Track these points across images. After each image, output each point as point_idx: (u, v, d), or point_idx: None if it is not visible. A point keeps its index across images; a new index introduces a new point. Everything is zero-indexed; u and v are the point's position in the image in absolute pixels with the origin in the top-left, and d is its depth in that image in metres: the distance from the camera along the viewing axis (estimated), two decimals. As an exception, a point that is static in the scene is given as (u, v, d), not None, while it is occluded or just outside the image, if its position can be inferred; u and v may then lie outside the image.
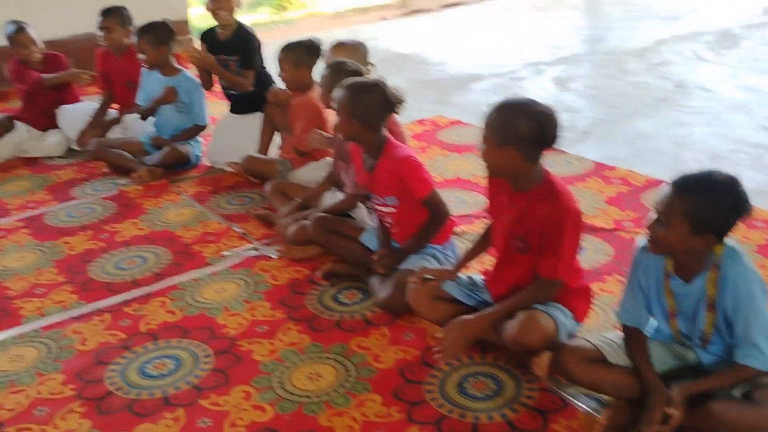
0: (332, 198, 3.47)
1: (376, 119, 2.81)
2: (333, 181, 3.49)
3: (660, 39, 6.76)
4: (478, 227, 3.41)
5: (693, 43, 6.52)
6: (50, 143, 4.79)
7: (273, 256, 3.29)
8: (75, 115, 4.82)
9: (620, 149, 4.29)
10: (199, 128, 4.44)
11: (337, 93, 2.84)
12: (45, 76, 4.68)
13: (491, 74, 6.11)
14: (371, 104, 2.78)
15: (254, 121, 4.23)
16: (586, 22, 8.12)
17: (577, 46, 6.85)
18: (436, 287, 2.58)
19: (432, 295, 2.59)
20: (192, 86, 4.39)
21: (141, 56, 4.30)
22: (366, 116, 2.78)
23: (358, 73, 3.15)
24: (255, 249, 3.38)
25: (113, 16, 4.68)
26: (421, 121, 4.99)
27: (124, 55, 4.75)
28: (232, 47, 4.30)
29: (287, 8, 13.73)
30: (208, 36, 4.45)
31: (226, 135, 4.39)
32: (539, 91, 5.55)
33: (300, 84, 3.80)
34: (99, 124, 4.75)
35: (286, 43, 3.84)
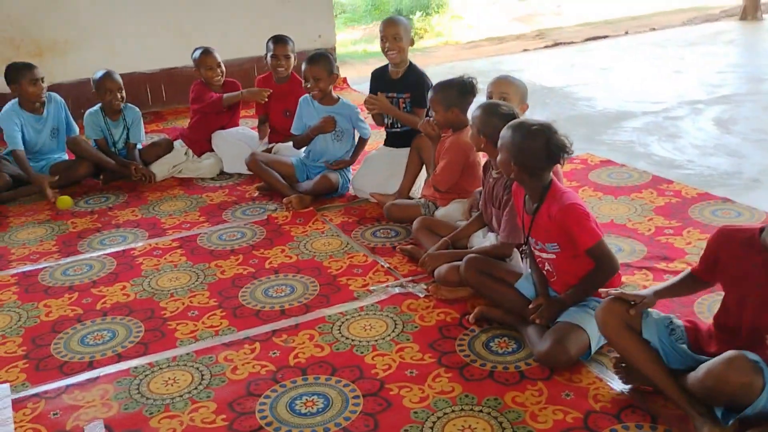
0: (482, 239, 3.37)
1: (538, 167, 2.70)
2: (482, 221, 3.38)
3: (834, 80, 6.24)
4: (639, 278, 3.20)
5: None
6: (204, 165, 4.97)
7: (420, 295, 3.22)
8: (229, 139, 4.99)
9: (796, 201, 3.93)
10: (364, 141, 4.60)
11: (504, 132, 2.76)
12: (225, 95, 4.88)
13: (643, 112, 5.82)
14: (535, 152, 2.66)
15: (406, 155, 4.20)
16: (744, 59, 7.63)
17: (737, 85, 6.42)
18: (632, 313, 2.37)
19: (624, 319, 2.38)
20: (351, 112, 4.50)
21: (306, 85, 4.37)
22: (528, 163, 2.68)
23: (513, 116, 3.04)
24: (402, 286, 3.32)
25: (286, 44, 4.85)
26: (570, 159, 4.78)
27: (286, 83, 4.90)
28: (404, 86, 4.29)
29: (423, 37, 13.94)
30: (379, 74, 4.46)
31: (376, 166, 4.39)
32: (698, 132, 5.22)
33: (452, 124, 3.74)
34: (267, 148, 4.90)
35: (438, 82, 3.79)
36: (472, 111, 3.27)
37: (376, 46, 13.35)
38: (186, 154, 5.01)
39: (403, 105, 4.33)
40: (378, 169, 4.37)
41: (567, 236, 2.67)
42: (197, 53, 4.95)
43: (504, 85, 3.58)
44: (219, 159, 5.00)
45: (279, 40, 4.88)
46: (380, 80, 4.44)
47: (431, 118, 3.79)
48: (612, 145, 5.09)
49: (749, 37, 8.47)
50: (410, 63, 4.35)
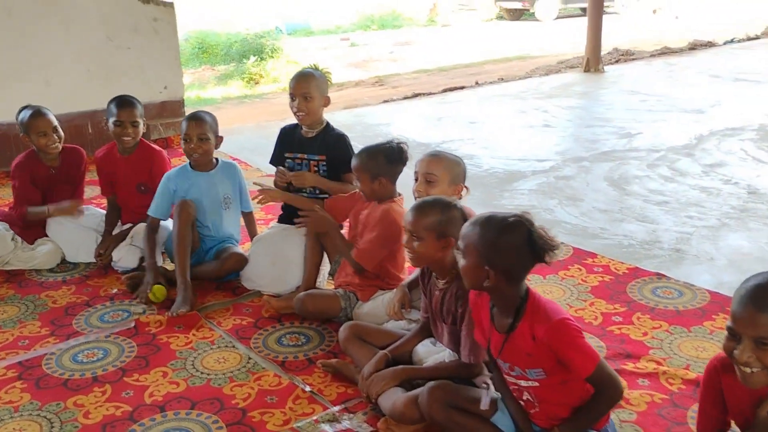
0: (429, 348, 2.74)
1: (517, 270, 2.14)
2: (427, 331, 2.76)
3: (698, 135, 6.33)
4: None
5: (737, 141, 6.09)
6: (40, 254, 3.94)
7: (363, 432, 2.52)
8: (69, 225, 4.00)
9: (727, 273, 3.68)
10: (251, 216, 4.01)
11: (468, 230, 2.18)
12: (30, 209, 3.95)
13: (532, 171, 5.52)
14: (515, 250, 2.10)
15: (301, 235, 3.51)
16: (609, 113, 7.65)
17: (612, 140, 6.35)
18: None
19: None
20: (236, 172, 3.87)
21: (190, 145, 3.64)
22: (504, 265, 2.11)
23: (458, 211, 2.52)
24: (335, 419, 2.60)
25: (134, 108, 3.94)
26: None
27: (133, 153, 4.00)
28: (318, 147, 3.64)
29: (259, 82, 13.24)
30: (288, 131, 3.77)
31: (270, 250, 3.63)
32: (596, 194, 4.97)
33: (379, 196, 3.15)
34: (115, 234, 3.99)
35: (362, 148, 3.18)
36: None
37: (210, 92, 12.75)
38: (13, 240, 3.94)
39: (315, 168, 3.64)
40: (273, 255, 3.62)
41: (556, 361, 2.11)
42: (25, 115, 3.94)
43: (436, 163, 3.00)
44: (57, 247, 4.00)
45: (124, 104, 3.93)
46: (289, 139, 3.74)
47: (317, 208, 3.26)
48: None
49: (599, 89, 8.63)
50: (327, 123, 3.69)
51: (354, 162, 3.19)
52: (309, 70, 3.64)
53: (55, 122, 3.96)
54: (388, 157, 3.14)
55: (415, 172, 3.04)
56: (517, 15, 21.21)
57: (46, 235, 4.02)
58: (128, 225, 4.02)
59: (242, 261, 3.66)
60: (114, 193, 4.08)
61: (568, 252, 3.98)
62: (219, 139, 3.76)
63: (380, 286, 3.22)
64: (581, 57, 11.36)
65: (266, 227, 4.06)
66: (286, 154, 3.73)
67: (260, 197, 3.59)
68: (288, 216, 3.69)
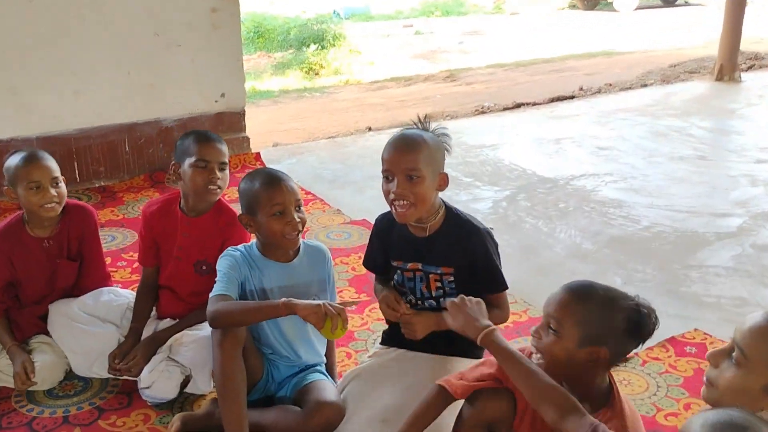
0: None
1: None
2: None
3: None
4: None
5: None
6: (35, 366, 2.63)
7: None
8: (80, 319, 2.68)
9: None
10: None
11: (566, 297, 1.80)
12: None
13: (715, 233, 4.04)
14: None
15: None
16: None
17: None
18: None
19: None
20: (327, 259, 2.60)
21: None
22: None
23: None
24: None
25: (223, 144, 2.76)
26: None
27: (207, 214, 2.71)
28: (440, 252, 2.32)
29: (319, 73, 12.02)
30: (388, 226, 2.44)
31: (377, 398, 2.26)
32: None
33: (585, 373, 1.80)
34: (147, 339, 2.70)
35: (578, 285, 1.84)
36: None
37: (266, 83, 11.50)
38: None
39: (438, 285, 2.28)
40: (384, 406, 2.25)
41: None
42: (14, 160, 2.64)
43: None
44: (61, 354, 2.69)
45: (210, 138, 2.66)
46: (390, 236, 2.37)
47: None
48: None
49: (748, 105, 7.00)
50: (447, 208, 2.31)
51: (564, 298, 1.80)
52: (414, 132, 2.24)
53: (57, 172, 2.65)
54: (630, 325, 1.77)
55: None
56: (592, 4, 19.56)
57: (47, 333, 2.73)
58: (168, 321, 2.71)
59: (340, 414, 2.30)
60: (157, 265, 2.77)
61: None
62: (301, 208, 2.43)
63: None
64: (697, 59, 9.75)
65: (363, 354, 2.67)
66: (393, 263, 2.37)
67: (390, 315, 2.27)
68: (399, 332, 2.32)
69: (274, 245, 2.37)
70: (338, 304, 2.19)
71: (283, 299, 2.18)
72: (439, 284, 2.30)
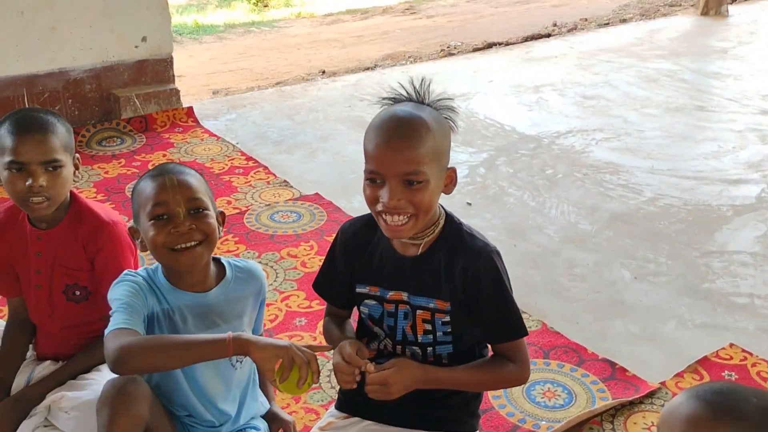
0: None
1: None
2: None
3: None
4: None
5: None
6: None
7: None
8: None
9: None
10: None
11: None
12: None
13: (731, 205, 3.43)
14: None
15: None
16: None
17: None
18: None
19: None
20: (261, 284, 1.92)
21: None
22: None
23: None
24: None
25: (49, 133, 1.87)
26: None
27: (59, 225, 1.94)
28: (432, 277, 1.66)
29: (268, 5, 11.12)
30: (361, 241, 1.74)
31: None
32: None
33: None
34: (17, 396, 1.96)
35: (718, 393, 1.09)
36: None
37: (210, 17, 10.50)
38: None
39: (426, 328, 1.62)
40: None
41: None
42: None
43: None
44: None
45: (25, 127, 1.81)
46: (367, 253, 1.68)
47: None
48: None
49: (741, 44, 6.33)
50: (447, 217, 1.63)
51: (699, 416, 1.08)
52: (410, 113, 1.51)
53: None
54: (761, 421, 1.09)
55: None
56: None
57: None
58: (48, 365, 2.00)
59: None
60: (21, 295, 2.03)
61: None
62: (221, 217, 1.71)
63: None
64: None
65: (316, 418, 1.99)
66: (361, 289, 1.68)
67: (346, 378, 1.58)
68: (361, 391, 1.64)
69: (170, 268, 1.67)
70: (305, 347, 1.53)
71: (232, 333, 1.50)
72: (428, 326, 1.63)
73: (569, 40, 6.59)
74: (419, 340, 1.64)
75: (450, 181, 1.58)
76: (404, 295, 1.63)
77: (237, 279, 1.75)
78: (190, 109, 4.52)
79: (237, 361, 1.73)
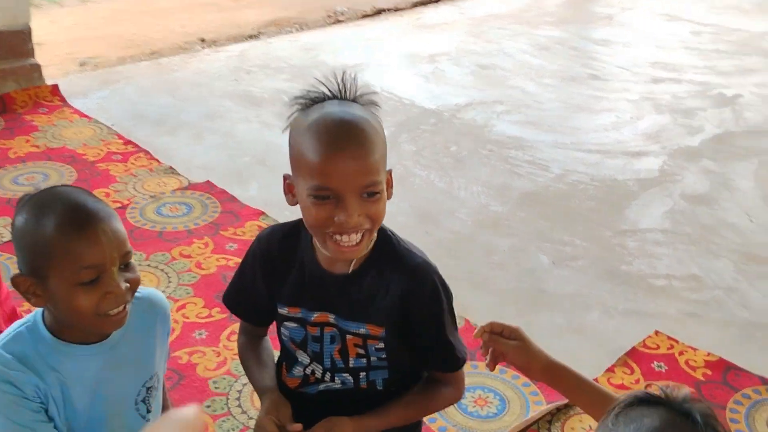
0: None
1: None
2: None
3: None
4: None
5: None
6: None
7: None
8: None
9: None
10: None
11: None
12: None
13: (636, 179, 3.40)
14: None
15: None
16: (668, 56, 5.47)
17: (715, 114, 4.31)
18: None
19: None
20: (165, 318, 1.56)
21: None
22: None
23: None
24: None
25: None
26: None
27: None
28: (368, 300, 1.45)
29: None
30: (283, 253, 1.47)
31: None
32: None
33: None
34: None
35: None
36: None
37: None
38: None
39: (359, 352, 1.40)
40: None
41: None
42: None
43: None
44: None
45: None
46: (288, 269, 1.42)
47: None
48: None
49: (624, 10, 6.40)
50: (385, 232, 1.39)
51: None
52: (355, 115, 1.26)
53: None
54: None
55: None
56: None
57: None
58: None
59: None
60: None
61: None
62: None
63: None
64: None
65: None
66: (281, 309, 1.43)
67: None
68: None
69: (78, 327, 1.34)
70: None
71: None
72: (361, 350, 1.41)
73: (459, 5, 6.44)
74: (351, 365, 1.42)
75: (389, 184, 1.35)
76: (331, 318, 1.40)
77: (135, 314, 1.44)
78: (55, 86, 4.02)
79: (147, 411, 1.44)
